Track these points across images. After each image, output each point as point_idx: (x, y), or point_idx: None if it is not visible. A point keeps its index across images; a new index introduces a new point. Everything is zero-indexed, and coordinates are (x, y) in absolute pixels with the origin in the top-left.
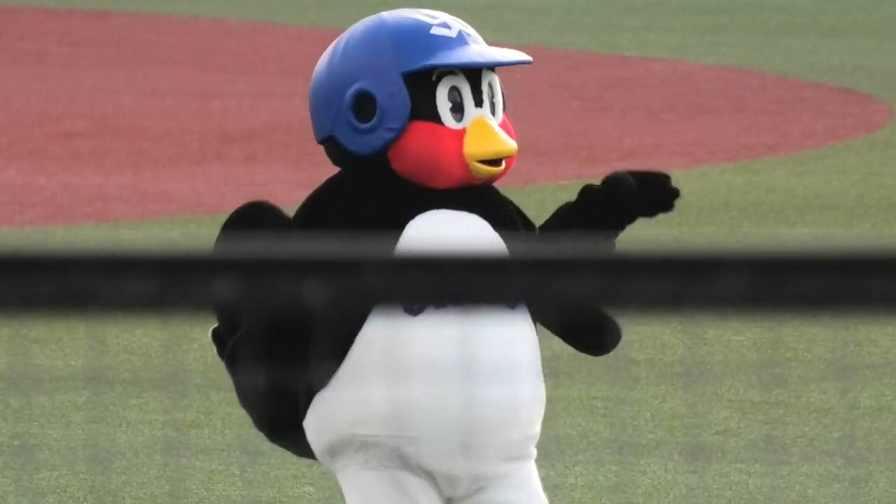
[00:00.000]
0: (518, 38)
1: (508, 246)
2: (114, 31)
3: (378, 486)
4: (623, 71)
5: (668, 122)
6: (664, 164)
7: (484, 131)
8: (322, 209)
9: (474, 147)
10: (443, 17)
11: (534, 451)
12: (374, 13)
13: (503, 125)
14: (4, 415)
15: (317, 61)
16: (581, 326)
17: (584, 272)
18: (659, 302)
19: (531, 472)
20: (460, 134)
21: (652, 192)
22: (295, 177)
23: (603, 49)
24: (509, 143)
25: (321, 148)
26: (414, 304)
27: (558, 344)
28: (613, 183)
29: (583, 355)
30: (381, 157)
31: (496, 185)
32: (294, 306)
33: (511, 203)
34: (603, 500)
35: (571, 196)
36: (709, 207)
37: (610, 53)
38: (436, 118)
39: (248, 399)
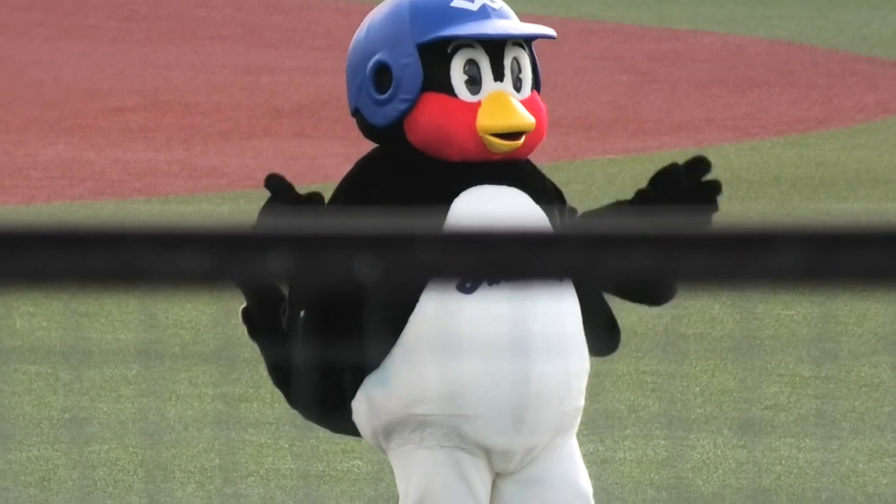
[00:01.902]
0: (567, 12)
1: (552, 220)
2: (164, 6)
3: (434, 465)
4: (673, 44)
5: (718, 95)
6: (715, 137)
7: (499, 105)
8: (361, 191)
9: (486, 119)
10: None
11: (578, 422)
12: None
13: (529, 101)
14: (55, 388)
15: None
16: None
17: (637, 247)
18: (712, 277)
19: (574, 444)
20: (474, 107)
21: (696, 189)
22: (343, 151)
23: (653, 22)
24: (525, 118)
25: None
26: (467, 283)
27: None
28: (663, 182)
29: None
30: (398, 128)
31: (539, 164)
32: (345, 282)
33: (546, 178)
34: (652, 475)
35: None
36: (759, 182)
37: (660, 27)
38: (449, 90)
39: (283, 377)
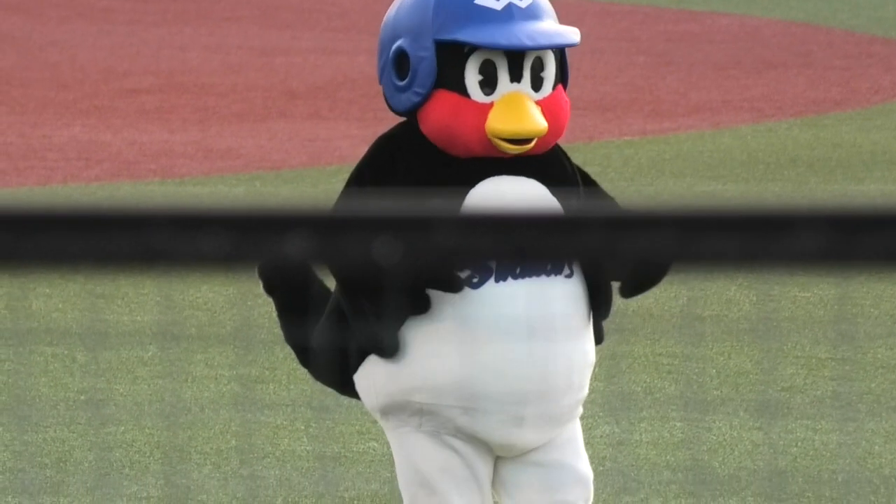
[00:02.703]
0: None
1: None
2: None
3: (430, 449)
4: (690, 26)
5: (735, 77)
6: (731, 119)
7: (511, 108)
8: (386, 168)
9: (496, 123)
10: None
11: (580, 411)
12: None
13: (549, 101)
14: (72, 370)
15: (381, 18)
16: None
17: (655, 230)
18: (730, 259)
19: (577, 428)
20: (486, 108)
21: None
22: (359, 132)
23: (670, 4)
24: (536, 123)
25: (385, 104)
26: (474, 277)
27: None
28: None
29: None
30: (413, 116)
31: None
32: (364, 264)
33: (569, 164)
34: (668, 457)
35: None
36: (776, 163)
37: (677, 8)
38: (461, 90)
39: (297, 335)
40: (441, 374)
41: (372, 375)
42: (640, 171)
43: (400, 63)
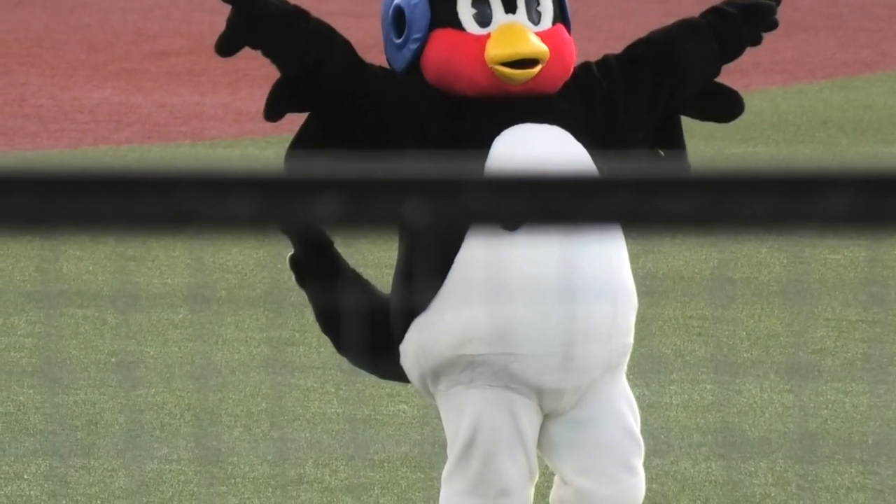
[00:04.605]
0: None
1: (594, 157)
2: None
3: (484, 405)
4: None
5: (765, 39)
6: (762, 81)
7: (508, 34)
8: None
9: (494, 49)
10: None
11: (626, 359)
12: None
13: (550, 33)
14: (102, 332)
15: None
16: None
17: (685, 192)
18: (760, 220)
19: (624, 382)
20: (483, 39)
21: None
22: None
23: None
24: (534, 45)
25: None
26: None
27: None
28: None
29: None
30: (418, 70)
31: None
32: (394, 226)
33: (598, 89)
34: (698, 419)
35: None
36: (807, 125)
37: None
38: (457, 25)
39: (332, 322)
40: (490, 323)
41: (419, 340)
42: None
43: (397, 21)
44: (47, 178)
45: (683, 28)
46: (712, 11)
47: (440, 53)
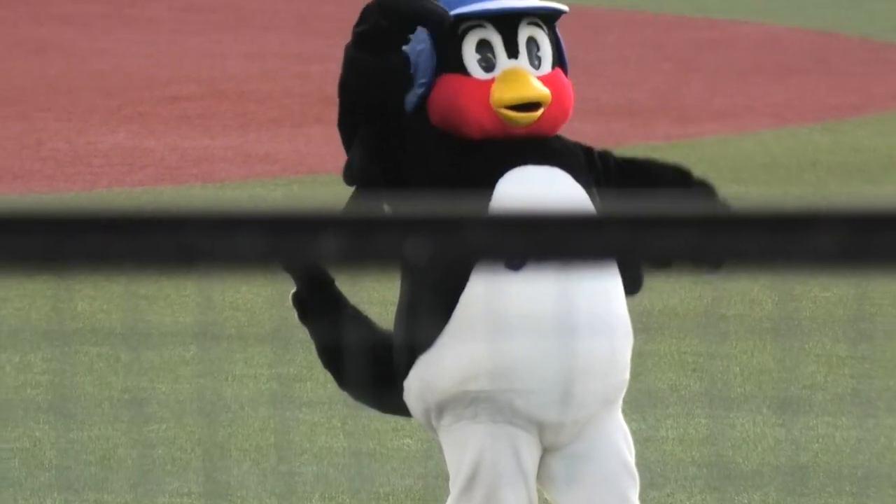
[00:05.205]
0: (611, 2)
1: (592, 198)
2: None
3: (487, 439)
4: (714, 33)
5: (757, 83)
6: (753, 124)
7: (512, 79)
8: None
9: (498, 93)
10: None
11: (622, 395)
12: None
13: (550, 77)
14: (115, 369)
15: None
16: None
17: (679, 229)
18: (752, 258)
19: (619, 417)
20: (488, 84)
21: None
22: None
23: (694, 12)
24: (537, 89)
25: None
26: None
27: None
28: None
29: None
30: (424, 114)
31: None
32: (396, 263)
33: (579, 146)
34: (693, 452)
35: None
36: (797, 166)
37: (701, 16)
38: (462, 69)
39: (334, 358)
40: (493, 359)
41: (424, 376)
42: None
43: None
44: (62, 218)
45: (687, 188)
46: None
47: (446, 97)
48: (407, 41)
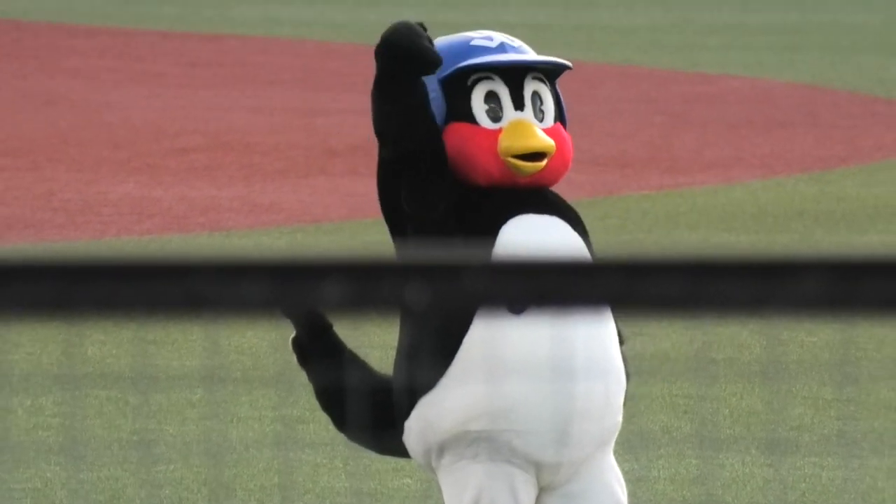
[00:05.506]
0: (605, 57)
1: (588, 247)
2: (226, 53)
3: (486, 479)
4: (704, 87)
5: (746, 135)
6: (742, 174)
7: (519, 129)
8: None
9: (506, 142)
10: (493, 34)
11: (615, 436)
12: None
13: (552, 130)
14: (124, 412)
15: None
16: None
17: (671, 275)
18: (741, 304)
19: (612, 458)
20: (495, 133)
21: None
22: None
23: (686, 67)
24: (544, 140)
25: None
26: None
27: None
28: None
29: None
30: None
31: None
32: (397, 308)
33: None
34: (684, 492)
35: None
36: (784, 216)
37: (692, 71)
38: (471, 119)
39: (333, 400)
40: (495, 401)
41: (427, 416)
42: (657, 223)
43: None
44: (72, 266)
45: None
46: None
47: (456, 145)
48: (420, 79)
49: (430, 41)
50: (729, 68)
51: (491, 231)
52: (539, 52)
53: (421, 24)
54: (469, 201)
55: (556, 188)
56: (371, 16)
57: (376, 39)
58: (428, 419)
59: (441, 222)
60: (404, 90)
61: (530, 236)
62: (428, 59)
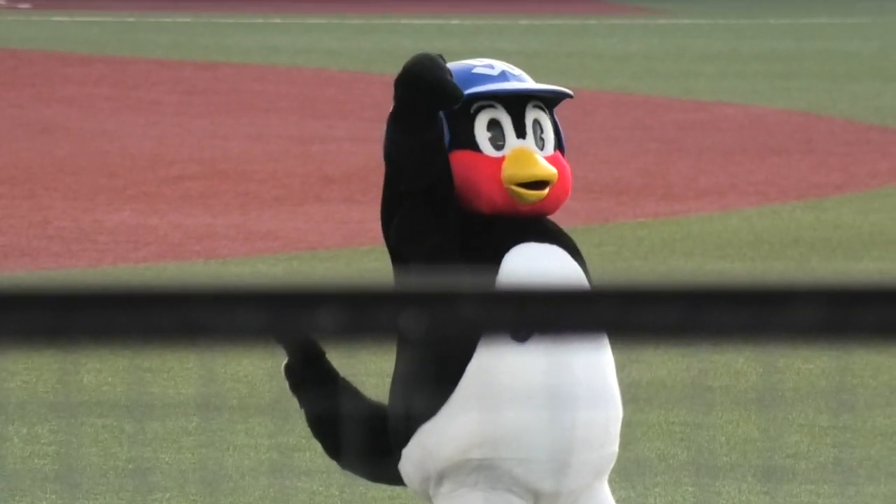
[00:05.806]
0: (600, 85)
1: (587, 276)
2: (222, 81)
3: None
4: (699, 115)
5: (741, 162)
6: (738, 202)
7: (521, 157)
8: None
9: (510, 170)
10: (494, 62)
11: (612, 464)
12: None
13: (553, 159)
14: (120, 440)
15: None
16: None
17: (667, 303)
18: (737, 331)
19: (606, 487)
20: (499, 161)
21: None
22: None
23: (680, 94)
24: (547, 168)
25: None
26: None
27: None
28: None
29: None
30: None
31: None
32: (393, 336)
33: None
34: None
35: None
36: (779, 243)
37: (687, 98)
38: (474, 147)
39: (325, 427)
40: (496, 429)
41: (427, 444)
42: (652, 250)
43: None
44: (68, 295)
45: None
46: None
47: (460, 173)
48: (438, 113)
49: (451, 74)
50: (723, 96)
51: (494, 259)
52: (535, 80)
53: (440, 56)
54: (471, 229)
55: (551, 215)
56: (367, 44)
57: (372, 67)
58: (427, 447)
59: (433, 252)
60: (423, 123)
61: (532, 265)
62: (450, 93)
